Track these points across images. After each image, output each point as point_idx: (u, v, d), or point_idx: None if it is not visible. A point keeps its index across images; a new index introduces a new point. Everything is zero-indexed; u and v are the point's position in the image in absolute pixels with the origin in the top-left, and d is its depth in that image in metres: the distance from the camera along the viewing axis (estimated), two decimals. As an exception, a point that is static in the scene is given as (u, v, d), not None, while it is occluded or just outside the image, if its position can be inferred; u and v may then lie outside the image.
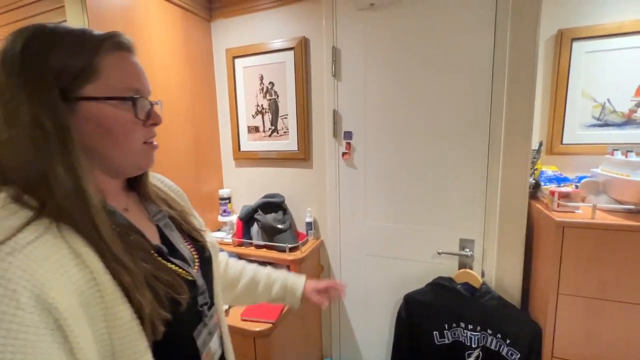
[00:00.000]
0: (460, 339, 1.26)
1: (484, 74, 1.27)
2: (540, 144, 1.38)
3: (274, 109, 1.67)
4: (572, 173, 1.37)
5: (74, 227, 0.39)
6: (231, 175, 1.85)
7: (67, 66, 0.41)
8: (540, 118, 1.44)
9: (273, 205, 1.61)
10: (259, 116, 1.71)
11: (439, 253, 1.39)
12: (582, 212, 1.13)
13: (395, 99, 1.42)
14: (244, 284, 0.84)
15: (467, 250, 1.37)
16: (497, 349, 1.19)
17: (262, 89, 1.68)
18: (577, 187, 1.22)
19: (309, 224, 1.64)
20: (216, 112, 1.82)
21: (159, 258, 0.50)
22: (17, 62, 0.39)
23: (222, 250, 0.88)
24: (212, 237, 0.71)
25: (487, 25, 1.24)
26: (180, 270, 0.52)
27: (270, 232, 1.53)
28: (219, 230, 1.79)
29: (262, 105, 1.69)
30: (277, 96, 1.65)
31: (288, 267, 1.49)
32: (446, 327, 1.28)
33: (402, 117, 1.42)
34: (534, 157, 1.34)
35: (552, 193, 1.19)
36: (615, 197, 1.14)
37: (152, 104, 0.51)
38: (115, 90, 0.45)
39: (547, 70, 1.42)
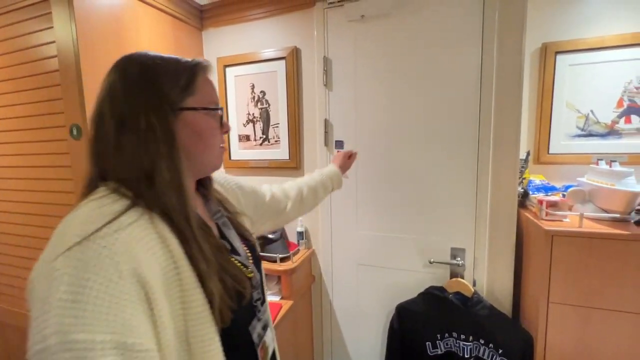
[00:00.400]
0: (453, 350, 1.25)
1: (472, 84, 1.29)
2: (528, 154, 1.40)
3: (265, 117, 1.66)
4: (559, 182, 1.40)
5: (166, 215, 0.46)
6: (221, 184, 1.83)
7: (174, 85, 0.51)
8: (527, 128, 1.47)
9: (264, 214, 1.59)
10: (250, 125, 1.70)
11: (430, 262, 1.39)
12: (569, 221, 1.14)
13: (385, 108, 1.44)
14: (300, 199, 1.02)
15: (459, 259, 1.38)
16: None
17: (254, 97, 1.67)
18: (564, 196, 1.24)
19: (300, 234, 1.62)
20: (207, 121, 1.80)
21: (225, 253, 0.55)
22: (136, 84, 0.50)
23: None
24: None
25: (475, 38, 1.27)
26: (241, 266, 0.58)
27: (261, 242, 1.51)
28: (208, 240, 1.76)
29: (253, 114, 1.69)
30: (269, 105, 1.65)
31: (279, 278, 1.46)
32: (439, 338, 1.27)
33: (393, 127, 1.43)
34: (522, 167, 1.36)
35: (541, 202, 1.20)
36: (601, 206, 1.16)
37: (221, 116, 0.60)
38: (206, 103, 0.55)
39: (532, 82, 1.45)
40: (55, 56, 1.15)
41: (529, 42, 1.38)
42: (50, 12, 1.13)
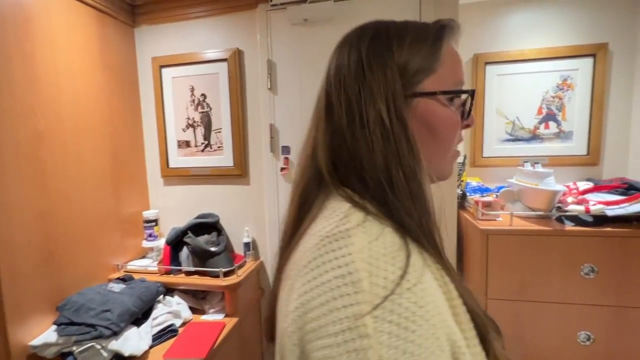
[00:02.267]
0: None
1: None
2: (465, 157, 1.48)
3: (207, 122, 1.56)
4: (492, 183, 1.49)
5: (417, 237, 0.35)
6: (159, 195, 1.67)
7: (410, 61, 0.38)
8: (464, 133, 1.56)
9: (205, 226, 1.48)
10: (190, 130, 1.58)
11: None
12: (502, 220, 1.21)
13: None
14: None
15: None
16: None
17: (193, 101, 1.56)
18: (497, 196, 1.32)
19: (246, 245, 1.53)
20: (141, 126, 1.65)
21: None
22: (364, 61, 0.39)
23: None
24: None
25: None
26: None
27: (202, 256, 1.39)
28: (143, 257, 1.59)
29: (193, 118, 1.57)
30: (210, 109, 1.55)
31: (223, 294, 1.36)
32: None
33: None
34: (460, 170, 1.43)
35: (477, 203, 1.26)
36: (528, 205, 1.25)
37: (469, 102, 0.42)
38: (449, 84, 0.39)
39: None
40: None
41: (463, 52, 1.46)
42: None
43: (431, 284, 0.32)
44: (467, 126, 0.44)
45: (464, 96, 0.41)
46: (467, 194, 1.39)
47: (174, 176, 1.62)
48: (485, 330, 0.36)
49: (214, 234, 1.48)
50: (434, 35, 0.40)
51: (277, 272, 0.44)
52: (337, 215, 0.35)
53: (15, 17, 1.07)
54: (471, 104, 0.42)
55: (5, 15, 1.04)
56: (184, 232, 1.42)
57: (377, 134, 0.36)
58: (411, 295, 0.29)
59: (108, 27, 1.45)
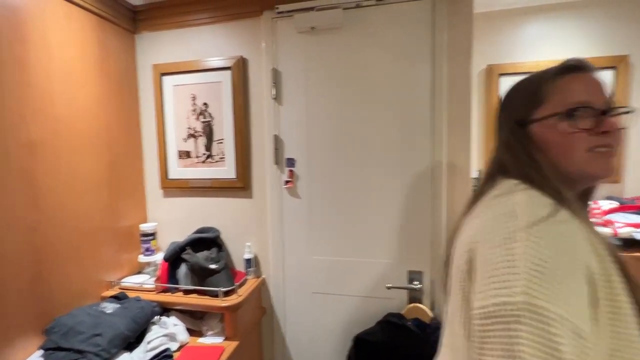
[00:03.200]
0: (414, 383, 1.16)
1: (423, 103, 1.27)
2: (480, 173, 1.41)
3: (209, 132, 1.50)
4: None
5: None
6: (157, 207, 1.60)
7: (522, 101, 0.57)
8: (477, 147, 1.49)
9: (205, 241, 1.41)
10: (191, 140, 1.52)
11: (387, 288, 1.31)
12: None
13: (337, 125, 1.36)
14: None
15: (416, 282, 1.31)
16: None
17: (195, 110, 1.50)
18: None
19: (248, 261, 1.46)
20: (139, 135, 1.58)
21: None
22: (502, 106, 0.62)
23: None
24: None
25: (425, 56, 1.26)
26: None
27: (201, 274, 1.31)
28: (139, 272, 1.51)
29: (194, 128, 1.51)
30: (212, 119, 1.49)
31: (222, 315, 1.28)
32: (399, 371, 1.18)
33: (346, 144, 1.36)
34: (475, 186, 1.36)
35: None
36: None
37: (604, 112, 0.51)
38: (560, 106, 0.52)
39: (480, 101, 1.49)
40: None
41: (476, 62, 1.41)
42: None
43: (575, 228, 0.44)
44: (604, 132, 0.50)
45: (583, 110, 0.51)
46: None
47: (173, 188, 1.56)
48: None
49: (214, 249, 1.40)
50: (540, 80, 0.55)
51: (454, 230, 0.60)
52: (505, 184, 0.53)
53: (8, 19, 1.02)
54: (593, 115, 0.51)
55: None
56: (182, 248, 1.35)
57: (505, 150, 0.57)
58: (556, 227, 0.43)
59: (108, 33, 1.40)
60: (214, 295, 1.28)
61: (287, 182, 1.42)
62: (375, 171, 1.33)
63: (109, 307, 1.18)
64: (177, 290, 1.34)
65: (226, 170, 1.49)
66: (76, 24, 1.25)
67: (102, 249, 1.35)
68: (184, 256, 1.33)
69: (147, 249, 1.50)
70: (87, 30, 1.30)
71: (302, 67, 1.38)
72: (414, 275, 1.33)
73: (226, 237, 1.50)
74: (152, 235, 1.51)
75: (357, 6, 1.30)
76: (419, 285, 1.30)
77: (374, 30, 1.30)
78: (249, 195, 1.49)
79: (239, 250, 1.49)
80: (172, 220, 1.59)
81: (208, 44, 1.48)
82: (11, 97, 1.02)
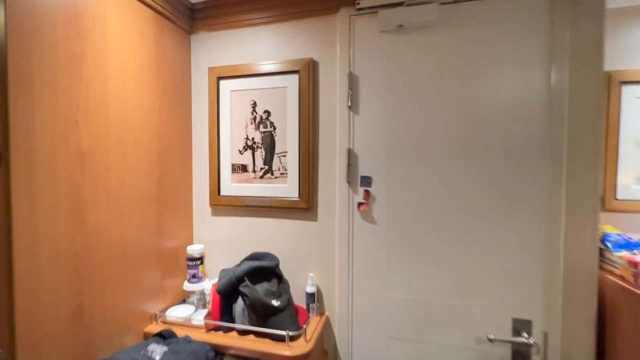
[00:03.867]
0: None
1: (537, 117, 1.05)
2: (600, 199, 1.16)
3: (269, 143, 1.31)
4: (633, 234, 1.16)
5: None
6: (205, 227, 1.42)
7: None
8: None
9: (264, 271, 1.20)
10: (249, 152, 1.34)
11: (490, 339, 1.06)
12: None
13: (425, 139, 1.15)
14: None
15: (524, 334, 1.06)
16: None
17: (255, 118, 1.33)
18: (657, 255, 0.99)
19: (310, 296, 1.24)
20: (190, 145, 1.42)
21: None
22: None
23: None
24: None
25: (540, 60, 1.04)
26: None
27: (262, 312, 1.10)
28: (183, 301, 1.32)
29: (253, 138, 1.33)
30: (274, 128, 1.31)
31: (287, 365, 1.05)
32: None
33: (435, 162, 1.14)
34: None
35: (635, 264, 0.94)
36: None
37: None
38: None
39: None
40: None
41: (587, 68, 1.18)
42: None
43: None
44: None
45: None
46: (609, 248, 1.06)
47: (225, 205, 1.37)
48: None
49: (274, 281, 1.20)
50: None
51: None
52: None
53: (66, 12, 0.87)
54: None
55: (56, 8, 0.84)
56: (239, 279, 1.15)
57: None
58: None
59: (164, 31, 1.25)
60: (278, 339, 1.06)
61: (360, 204, 1.21)
62: (473, 194, 1.11)
63: (157, 352, 0.98)
64: (230, 330, 1.14)
65: (287, 187, 1.29)
66: (135, 19, 1.10)
67: (146, 274, 1.17)
68: (242, 289, 1.13)
69: (194, 276, 1.30)
70: (145, 27, 1.15)
71: (384, 72, 1.18)
72: (520, 325, 1.08)
73: (285, 265, 1.30)
74: (199, 259, 1.31)
75: (456, 1, 1.11)
76: (528, 339, 1.05)
77: (474, 29, 1.10)
78: (314, 218, 1.28)
79: (300, 282, 1.28)
80: (221, 243, 1.39)
81: (272, 45, 1.31)
82: (64, 98, 0.86)
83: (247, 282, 1.15)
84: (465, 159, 1.11)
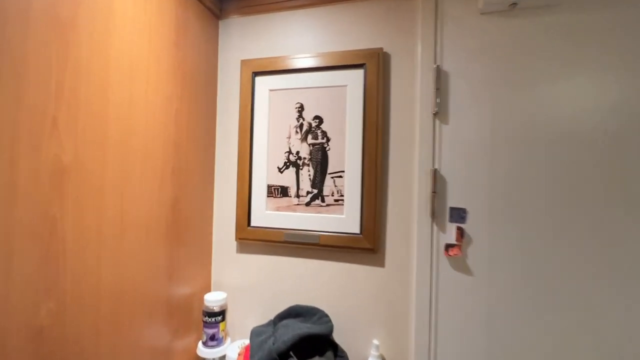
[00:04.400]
0: None
1: None
2: None
3: (320, 160, 0.99)
4: None
5: None
6: (229, 269, 1.08)
7: None
8: None
9: (316, 340, 0.85)
10: (291, 171, 1.01)
11: None
12: None
13: (551, 155, 0.82)
14: None
15: None
16: None
17: (301, 126, 1.01)
18: None
19: (376, 372, 0.88)
20: (213, 159, 1.10)
21: None
22: None
23: None
24: None
25: None
26: None
27: (316, 409, 0.75)
28: (198, 375, 0.96)
29: (297, 152, 1.01)
30: (327, 140, 0.98)
31: None
32: None
33: (564, 187, 0.81)
34: None
35: None
36: None
37: None
38: None
39: None
40: None
41: None
42: None
43: None
44: None
45: None
46: None
47: (256, 240, 1.03)
48: None
49: (329, 354, 0.84)
50: None
51: None
52: None
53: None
54: None
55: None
56: (284, 355, 0.80)
57: None
58: None
59: (190, 10, 0.95)
60: None
61: (450, 246, 0.87)
62: (623, 233, 0.77)
63: None
64: None
65: (344, 219, 0.96)
66: (152, -13, 0.80)
67: (150, 336, 0.82)
68: (287, 371, 0.78)
69: (213, 337, 0.95)
70: (164, 4, 0.85)
71: (487, 66, 0.87)
72: None
73: (337, 328, 0.95)
74: (220, 315, 0.97)
75: (594, -29, 0.80)
76: None
77: (621, 8, 0.79)
78: (380, 263, 0.94)
79: (359, 350, 0.93)
80: (250, 290, 1.05)
81: (325, 32, 1.01)
82: (37, 83, 0.55)
83: (292, 356, 0.80)
84: (610, 183, 0.78)
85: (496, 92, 0.86)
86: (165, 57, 0.85)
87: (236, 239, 1.05)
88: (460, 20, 0.89)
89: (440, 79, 0.90)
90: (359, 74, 0.96)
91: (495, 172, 0.86)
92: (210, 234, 1.08)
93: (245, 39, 1.09)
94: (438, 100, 0.89)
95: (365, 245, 0.93)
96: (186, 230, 0.96)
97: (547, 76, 0.83)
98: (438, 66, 0.89)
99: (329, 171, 0.98)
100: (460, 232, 0.87)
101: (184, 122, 0.93)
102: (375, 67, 0.94)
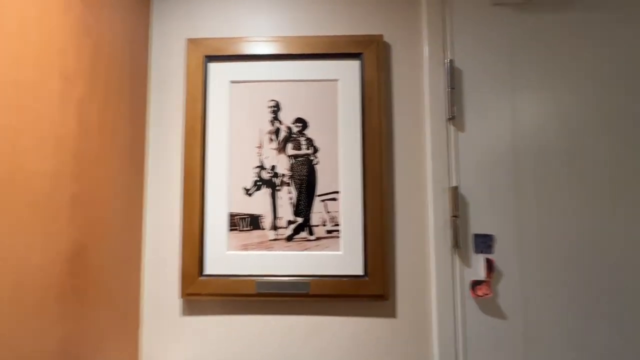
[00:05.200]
0: None
1: None
2: None
3: (305, 177, 0.73)
4: None
5: None
6: (169, 341, 0.72)
7: None
8: None
9: None
10: (265, 192, 0.73)
11: None
12: None
13: (588, 165, 0.72)
14: None
15: None
16: None
17: (277, 132, 0.74)
18: None
19: None
20: (142, 180, 0.74)
21: None
22: None
23: None
24: None
25: None
26: None
27: None
28: None
29: (273, 167, 0.73)
30: (314, 150, 0.73)
31: None
32: None
33: (604, 202, 0.70)
34: None
35: None
36: None
37: None
38: None
39: None
40: None
41: None
42: None
43: None
44: None
45: None
46: None
47: (213, 296, 0.70)
48: None
49: None
50: None
51: None
52: None
53: None
54: None
55: None
56: None
57: None
58: None
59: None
60: None
61: (478, 283, 0.69)
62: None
63: None
64: None
65: (342, 257, 0.71)
66: None
67: None
68: None
69: None
70: None
71: (508, 63, 0.74)
72: None
73: (340, 412, 0.68)
74: (158, 420, 0.61)
75: (606, -31, 0.74)
76: None
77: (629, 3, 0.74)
78: (390, 312, 0.71)
79: None
80: (201, 369, 0.71)
81: (310, 10, 0.78)
82: None
83: None
84: (646, 207, 0.70)
85: (517, 93, 0.73)
86: (64, 11, 0.51)
87: (181, 296, 0.70)
88: (473, 11, 0.75)
89: (455, 77, 0.74)
90: (353, 66, 0.74)
91: (522, 187, 0.72)
92: (137, 289, 0.72)
93: (193, 9, 0.78)
94: (451, 103, 0.72)
95: (373, 290, 0.69)
96: (96, 289, 0.59)
97: (571, 75, 0.73)
98: (451, 61, 0.73)
99: (317, 192, 0.73)
100: (489, 265, 0.70)
101: (92, 121, 0.58)
102: (374, 58, 0.73)
